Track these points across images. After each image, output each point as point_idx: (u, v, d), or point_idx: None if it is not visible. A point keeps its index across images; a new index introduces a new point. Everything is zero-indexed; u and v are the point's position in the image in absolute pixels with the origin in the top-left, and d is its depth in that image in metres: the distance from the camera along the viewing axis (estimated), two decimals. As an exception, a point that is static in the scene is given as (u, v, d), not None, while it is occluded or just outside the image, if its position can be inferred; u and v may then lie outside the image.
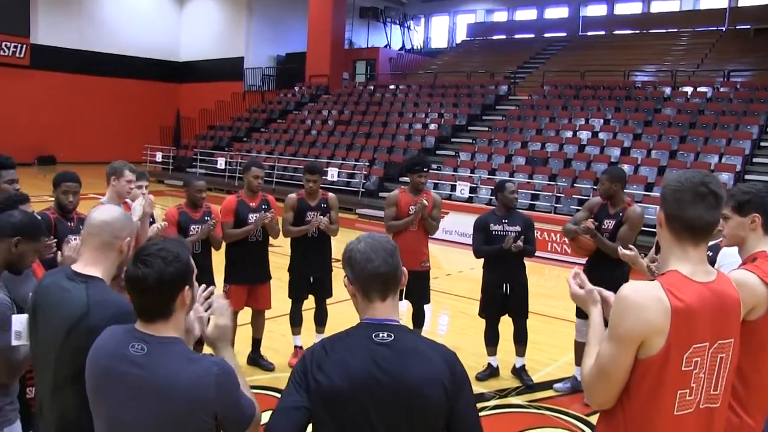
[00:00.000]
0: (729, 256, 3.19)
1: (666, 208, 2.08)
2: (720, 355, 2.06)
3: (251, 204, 5.95)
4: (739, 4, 25.91)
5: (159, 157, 24.17)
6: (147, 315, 2.05)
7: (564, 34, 29.47)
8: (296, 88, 28.00)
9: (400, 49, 33.81)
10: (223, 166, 21.52)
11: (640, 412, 2.02)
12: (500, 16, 33.87)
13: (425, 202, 6.04)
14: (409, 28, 35.80)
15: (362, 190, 18.51)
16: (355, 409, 1.90)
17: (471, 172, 16.95)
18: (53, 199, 4.51)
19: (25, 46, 28.14)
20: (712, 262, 3.03)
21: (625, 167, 15.31)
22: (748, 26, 23.51)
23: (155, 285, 1.99)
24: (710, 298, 2.02)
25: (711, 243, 3.09)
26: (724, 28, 25.08)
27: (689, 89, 18.77)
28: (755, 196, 2.76)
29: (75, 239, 4.32)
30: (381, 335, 1.97)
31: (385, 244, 2.04)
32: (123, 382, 1.99)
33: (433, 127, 20.74)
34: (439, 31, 37.08)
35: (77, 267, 2.46)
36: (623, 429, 2.07)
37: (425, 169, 6.15)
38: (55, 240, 4.01)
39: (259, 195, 6.02)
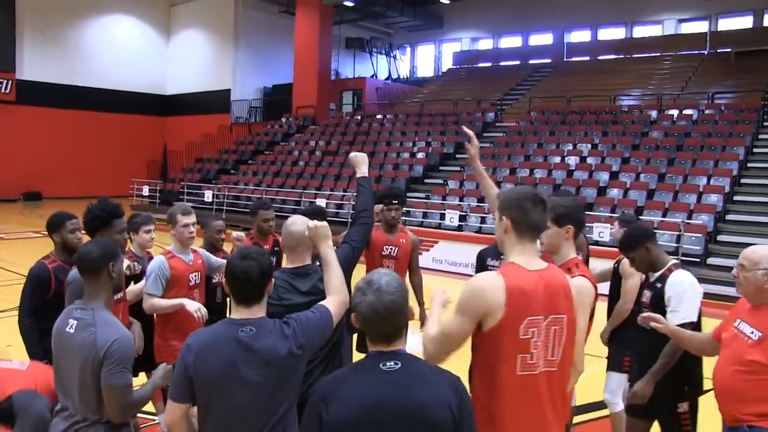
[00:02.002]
0: (676, 284, 3.74)
1: (512, 215, 2.63)
2: (553, 327, 2.56)
3: (265, 247, 5.43)
4: (719, 29, 26.20)
5: (146, 191, 23.96)
6: (248, 301, 2.55)
7: (549, 61, 29.60)
8: (283, 120, 27.99)
9: (387, 78, 33.91)
10: (210, 199, 21.33)
11: (490, 373, 2.52)
12: (485, 44, 34.06)
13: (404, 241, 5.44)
14: (395, 57, 35.96)
15: (351, 220, 18.29)
16: None
17: (460, 200, 16.86)
18: (53, 242, 4.30)
19: (10, 81, 28.09)
20: (660, 291, 3.78)
21: (614, 191, 15.34)
22: (729, 49, 23.74)
23: (258, 274, 2.52)
24: (540, 282, 2.55)
25: (657, 274, 3.87)
26: (705, 52, 25.33)
27: (675, 112, 18.86)
28: (571, 210, 3.17)
29: None
30: (389, 364, 2.13)
31: (391, 286, 2.22)
32: (247, 364, 2.46)
33: (421, 155, 20.69)
34: (425, 60, 37.24)
35: None
36: (479, 389, 2.57)
37: (395, 201, 5.27)
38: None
39: (271, 237, 5.61)
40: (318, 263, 3.17)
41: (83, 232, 4.13)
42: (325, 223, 3.10)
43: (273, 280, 2.67)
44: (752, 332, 3.08)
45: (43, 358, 3.98)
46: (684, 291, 3.72)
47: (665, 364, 3.74)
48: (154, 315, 4.54)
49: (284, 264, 3.39)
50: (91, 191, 28.53)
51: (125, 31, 32.01)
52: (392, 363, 2.12)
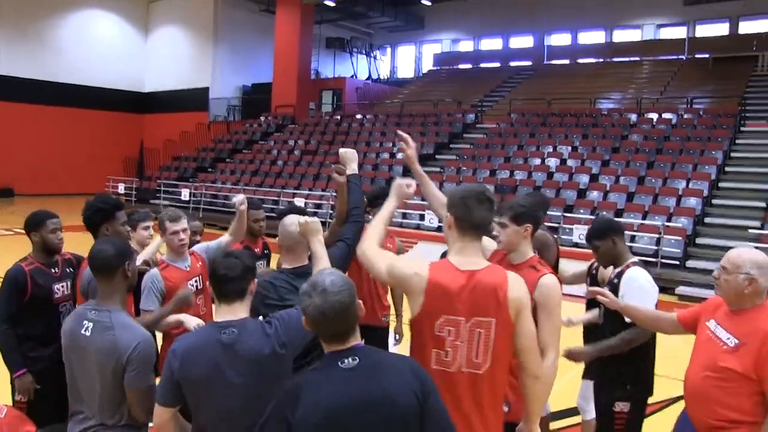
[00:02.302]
0: (632, 280, 3.70)
1: (456, 212, 2.65)
2: (478, 330, 2.55)
3: (255, 249, 5.09)
4: (697, 35, 26.44)
5: (121, 188, 23.61)
6: (230, 300, 2.60)
7: (529, 63, 29.70)
8: (262, 118, 27.75)
9: (367, 78, 33.77)
10: (187, 198, 21.05)
11: (415, 356, 2.55)
12: (466, 46, 34.06)
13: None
14: (375, 58, 35.82)
15: (329, 220, 18.20)
16: None
17: (440, 201, 16.74)
18: (32, 243, 4.04)
19: (-17, 77, 27.50)
20: (617, 287, 3.71)
21: (594, 193, 15.35)
22: (707, 55, 23.99)
23: (241, 272, 2.59)
24: (468, 283, 2.56)
25: (617, 270, 3.83)
26: (684, 57, 25.53)
27: (654, 116, 18.95)
28: (529, 209, 3.24)
29: (61, 286, 4.02)
30: (346, 361, 2.12)
31: (336, 285, 2.17)
32: (230, 366, 2.49)
33: (400, 156, 20.50)
34: (406, 61, 37.15)
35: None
36: None
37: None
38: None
39: (260, 239, 5.25)
40: None
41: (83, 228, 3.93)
42: (316, 218, 3.13)
43: (255, 280, 2.70)
44: (728, 338, 2.99)
45: (22, 365, 3.84)
46: (639, 287, 3.67)
47: (617, 347, 3.64)
48: None
49: (281, 265, 3.32)
50: (66, 189, 28.16)
51: (103, 26, 31.50)
52: (349, 360, 2.11)
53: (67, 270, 4.02)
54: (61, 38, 29.99)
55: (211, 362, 2.48)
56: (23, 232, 4.06)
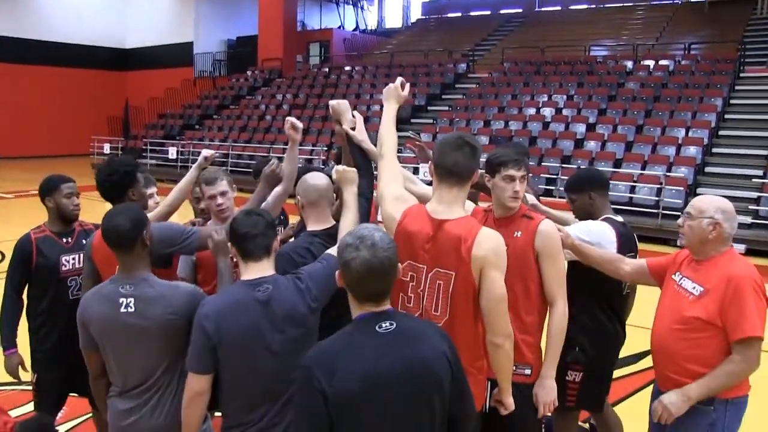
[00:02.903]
0: (590, 224, 3.48)
1: (434, 158, 2.61)
2: (438, 281, 2.53)
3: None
4: (692, -23, 25.84)
5: (107, 148, 23.01)
6: (258, 257, 2.51)
7: (520, 10, 29.17)
8: (249, 73, 27.08)
9: (354, 29, 33.08)
10: (174, 156, 20.56)
11: None
12: (455, -6, 33.35)
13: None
14: (362, 8, 35.10)
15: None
16: (377, 406, 1.93)
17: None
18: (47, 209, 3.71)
19: (-45, 35, 26.61)
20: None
21: (591, 143, 15.04)
22: (703, -1, 23.47)
23: (264, 227, 2.52)
24: (434, 232, 2.54)
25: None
26: (679, 1, 24.98)
27: (651, 63, 18.49)
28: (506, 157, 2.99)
29: (71, 258, 3.66)
30: (384, 325, 2.00)
31: (385, 242, 2.04)
32: (270, 326, 2.44)
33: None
34: (393, 11, 36.44)
35: None
36: None
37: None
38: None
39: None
40: None
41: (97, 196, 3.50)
42: (353, 168, 3.04)
43: (278, 236, 2.67)
44: (693, 288, 2.88)
45: (13, 344, 3.65)
46: (583, 228, 3.41)
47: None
48: None
49: (301, 229, 3.08)
50: (50, 150, 27.62)
51: (79, -20, 30.51)
52: (387, 324, 2.00)
53: (82, 241, 3.64)
54: (36, -6, 28.99)
55: (250, 321, 2.41)
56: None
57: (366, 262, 1.97)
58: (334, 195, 3.06)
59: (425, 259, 2.55)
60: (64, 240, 3.67)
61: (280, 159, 3.51)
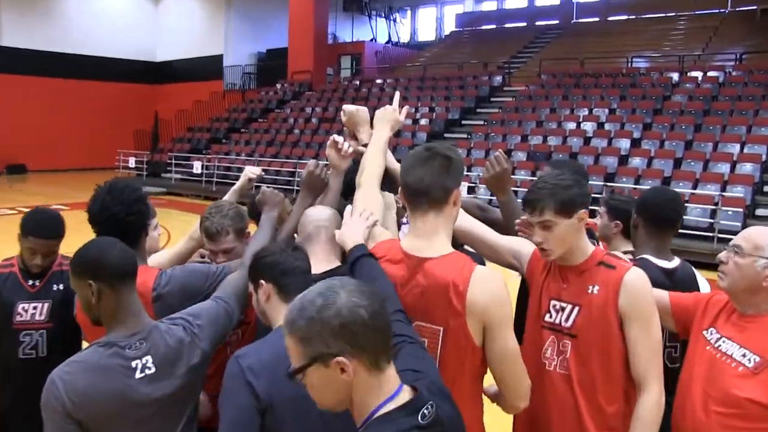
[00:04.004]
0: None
1: (400, 178, 2.08)
2: (420, 337, 1.86)
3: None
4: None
5: (132, 162, 22.65)
6: None
7: (557, 22, 28.34)
8: (278, 86, 26.59)
9: (387, 42, 32.54)
10: (199, 170, 20.02)
11: None
12: (489, 6, 32.64)
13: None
14: (395, 20, 34.61)
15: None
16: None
17: (468, 170, 15.56)
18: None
19: (-10, 48, 26.55)
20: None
21: (637, 160, 14.13)
22: (754, 7, 22.33)
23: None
24: (409, 274, 1.98)
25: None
26: (726, 11, 23.90)
27: (698, 74, 17.46)
28: (578, 188, 2.24)
29: (32, 307, 2.86)
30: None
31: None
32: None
33: (424, 122, 19.38)
34: (427, 24, 35.83)
35: None
36: None
37: None
38: None
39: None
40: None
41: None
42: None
43: None
44: (744, 355, 2.12)
45: None
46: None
47: None
48: None
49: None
50: (78, 163, 27.40)
51: (111, -5, 30.45)
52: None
53: (53, 287, 2.90)
54: (68, 8, 28.99)
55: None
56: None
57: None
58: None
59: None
60: (30, 282, 2.89)
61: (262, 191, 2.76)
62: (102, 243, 2.00)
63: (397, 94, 2.66)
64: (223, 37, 30.02)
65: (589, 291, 2.16)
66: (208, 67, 30.01)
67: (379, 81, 24.22)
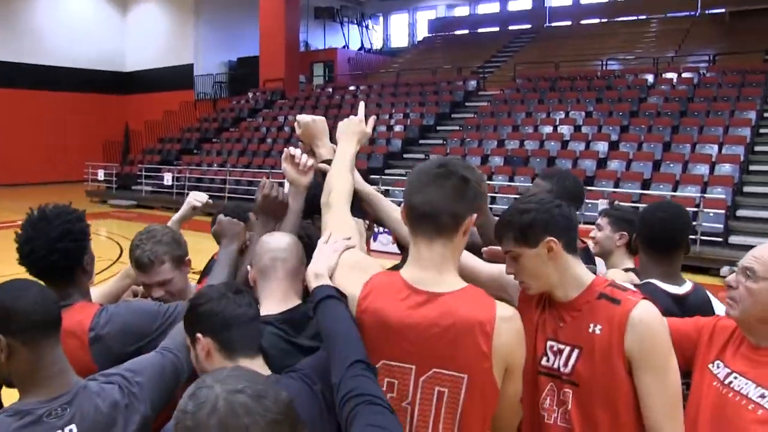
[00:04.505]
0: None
1: (405, 196, 1.75)
2: (438, 388, 1.64)
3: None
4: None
5: (101, 175, 22.06)
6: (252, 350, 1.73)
7: (529, 26, 28.35)
8: (250, 94, 26.17)
9: (360, 49, 32.30)
10: (170, 182, 19.53)
11: None
12: (462, 11, 32.56)
13: None
14: (367, 27, 34.34)
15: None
16: None
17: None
18: None
19: (-48, 61, 25.81)
20: None
21: (615, 163, 13.98)
22: (722, 10, 22.43)
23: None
24: (424, 312, 1.65)
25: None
26: (696, 13, 24.02)
27: (673, 76, 17.43)
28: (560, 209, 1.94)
29: None
30: None
31: None
32: None
33: (398, 128, 19.11)
34: (399, 30, 35.68)
35: None
36: None
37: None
38: None
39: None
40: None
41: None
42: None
43: None
44: (763, 396, 1.81)
45: None
46: None
47: None
48: None
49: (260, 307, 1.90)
50: (46, 177, 26.68)
51: (76, 4, 29.72)
52: None
53: None
54: (32, 17, 28.20)
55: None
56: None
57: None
58: (305, 264, 1.99)
59: (411, 355, 1.66)
60: None
61: (281, 184, 2.35)
62: (15, 287, 1.60)
63: (362, 105, 2.32)
64: (192, 46, 29.49)
65: (591, 330, 1.82)
66: (178, 77, 29.45)
67: (352, 88, 23.93)
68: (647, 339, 1.76)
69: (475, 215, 1.75)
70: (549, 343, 1.90)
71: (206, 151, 22.35)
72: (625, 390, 1.78)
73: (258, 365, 1.68)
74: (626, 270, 2.71)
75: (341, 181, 2.05)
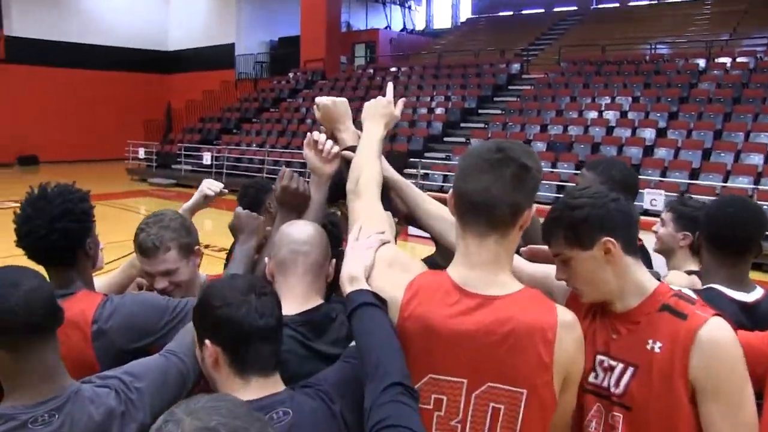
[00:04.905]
0: None
1: (455, 181, 1.55)
2: (493, 404, 1.45)
3: None
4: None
5: (141, 153, 22.25)
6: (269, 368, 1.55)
7: (575, 8, 27.66)
8: (290, 75, 26.07)
9: (401, 30, 32.00)
10: (209, 162, 19.56)
11: None
12: (506, -8, 32.00)
13: None
14: (409, 8, 34.07)
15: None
16: None
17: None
18: None
19: (-1, 38, 26.18)
20: None
21: (663, 151, 13.50)
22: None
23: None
24: (478, 319, 1.45)
25: None
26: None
27: (727, 60, 16.71)
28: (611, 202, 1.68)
29: None
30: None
31: None
32: None
33: (439, 111, 18.80)
34: (442, 10, 35.25)
35: None
36: None
37: None
38: None
39: None
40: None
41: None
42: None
43: None
44: None
45: None
46: None
47: None
48: None
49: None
50: (88, 154, 27.06)
51: (121, -17, 29.99)
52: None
53: None
54: (76, -3, 28.52)
55: None
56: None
57: None
58: (329, 258, 1.82)
59: (464, 368, 1.47)
60: None
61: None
62: (2, 280, 1.43)
63: (390, 85, 2.11)
64: (234, 26, 29.48)
65: (649, 347, 1.58)
66: (219, 56, 29.51)
67: (393, 69, 23.65)
68: (717, 364, 1.51)
69: (534, 207, 1.54)
70: (598, 357, 1.67)
71: (246, 131, 22.36)
72: (686, 419, 1.53)
73: (272, 383, 1.50)
74: (689, 273, 2.45)
75: (369, 167, 1.85)
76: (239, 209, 2.16)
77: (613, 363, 1.64)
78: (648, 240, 2.60)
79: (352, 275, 1.56)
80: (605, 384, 1.65)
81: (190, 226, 2.19)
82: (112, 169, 23.50)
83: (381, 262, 1.61)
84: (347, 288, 1.55)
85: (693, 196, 4.95)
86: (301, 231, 1.82)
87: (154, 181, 21.01)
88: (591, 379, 1.68)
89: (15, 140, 25.66)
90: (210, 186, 2.58)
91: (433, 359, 1.49)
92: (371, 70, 24.19)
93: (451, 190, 1.58)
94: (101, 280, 2.36)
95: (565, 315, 1.50)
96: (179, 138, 23.61)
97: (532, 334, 1.44)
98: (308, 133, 2.04)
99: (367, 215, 1.74)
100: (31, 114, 26.29)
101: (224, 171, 18.91)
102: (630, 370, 1.61)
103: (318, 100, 2.07)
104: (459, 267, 1.54)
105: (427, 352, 1.49)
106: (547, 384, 1.46)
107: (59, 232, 1.81)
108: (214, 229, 10.63)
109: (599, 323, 1.69)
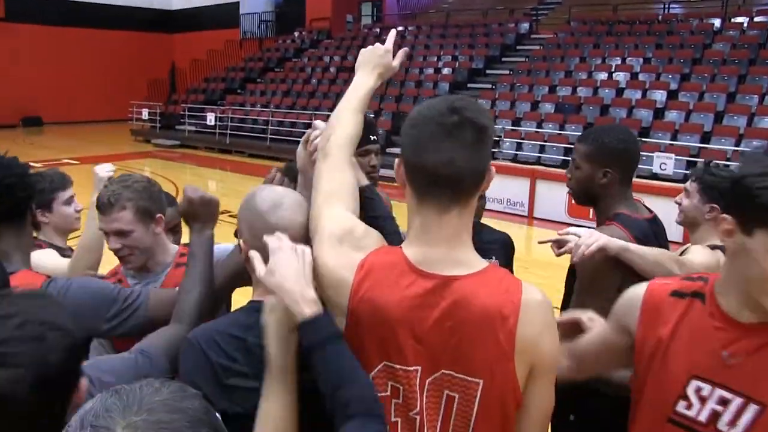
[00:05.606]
0: None
1: (403, 153, 1.35)
2: (448, 392, 1.30)
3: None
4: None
5: (145, 114, 22.03)
6: None
7: (588, -34, 26.93)
8: (296, 34, 25.65)
9: (409, -13, 31.30)
10: (212, 122, 19.35)
11: None
12: (517, -51, 31.19)
13: None
14: (418, -35, 33.19)
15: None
16: None
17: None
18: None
19: (-2, -4, 25.78)
20: None
21: (674, 114, 13.19)
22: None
23: None
24: (434, 301, 1.30)
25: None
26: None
27: (744, 20, 16.25)
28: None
29: None
30: None
31: None
32: None
33: (446, 71, 18.46)
34: (451, -32, 34.43)
35: None
36: None
37: (373, 139, 2.47)
38: None
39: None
40: None
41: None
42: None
43: None
44: None
45: None
46: None
47: None
48: None
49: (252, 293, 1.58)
50: (92, 115, 26.88)
51: (124, -62, 29.41)
52: None
53: None
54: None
55: None
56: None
57: None
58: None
59: (418, 354, 1.31)
60: None
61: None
62: None
63: (393, 32, 1.85)
64: (239, -17, 29.03)
65: None
66: (224, 15, 29.10)
67: (400, 28, 23.19)
68: None
69: (493, 170, 1.36)
70: (696, 383, 1.38)
71: (250, 91, 22.08)
72: None
73: None
74: (713, 247, 2.28)
75: (347, 122, 1.64)
76: (189, 191, 1.85)
77: (727, 395, 1.33)
78: (658, 208, 2.39)
79: (305, 296, 1.31)
80: (705, 420, 1.36)
81: (156, 194, 2.06)
82: (116, 129, 23.36)
83: (331, 237, 1.42)
84: (302, 311, 1.30)
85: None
86: (291, 204, 1.56)
87: (158, 142, 20.84)
88: (680, 409, 1.41)
89: (19, 101, 25.46)
90: (102, 170, 2.58)
91: (386, 346, 1.33)
92: (378, 29, 23.73)
93: (399, 161, 1.39)
94: (79, 242, 2.38)
95: (531, 294, 1.31)
96: (183, 98, 23.36)
97: (492, 319, 1.27)
98: (308, 130, 1.83)
99: (330, 180, 1.55)
100: (34, 75, 25.99)
101: (228, 132, 18.72)
102: (755, 410, 1.30)
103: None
104: (416, 244, 1.36)
105: (380, 338, 1.34)
106: (508, 374, 1.29)
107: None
108: (228, 195, 10.50)
109: (697, 333, 1.39)
